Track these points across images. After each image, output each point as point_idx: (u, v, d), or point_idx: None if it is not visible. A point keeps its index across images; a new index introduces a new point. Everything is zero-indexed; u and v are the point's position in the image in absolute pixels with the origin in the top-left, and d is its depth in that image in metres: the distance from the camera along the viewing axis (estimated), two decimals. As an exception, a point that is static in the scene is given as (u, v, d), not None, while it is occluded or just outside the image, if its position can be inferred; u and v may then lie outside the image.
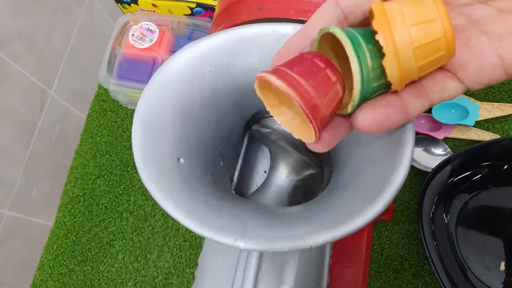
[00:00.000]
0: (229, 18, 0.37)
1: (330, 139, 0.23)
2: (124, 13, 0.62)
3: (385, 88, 0.21)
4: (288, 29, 0.33)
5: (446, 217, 0.54)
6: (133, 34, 0.58)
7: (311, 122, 0.20)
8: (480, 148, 0.52)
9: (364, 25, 0.22)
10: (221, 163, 0.38)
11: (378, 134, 0.30)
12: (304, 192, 0.42)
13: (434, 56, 0.20)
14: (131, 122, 0.66)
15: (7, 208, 0.67)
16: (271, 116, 0.40)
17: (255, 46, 0.34)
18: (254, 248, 0.27)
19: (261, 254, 0.33)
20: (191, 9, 0.57)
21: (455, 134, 0.58)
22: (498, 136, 0.58)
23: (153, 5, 0.59)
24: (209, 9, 0.56)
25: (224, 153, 0.38)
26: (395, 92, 0.22)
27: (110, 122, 0.68)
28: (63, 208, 0.66)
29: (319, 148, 0.23)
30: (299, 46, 0.23)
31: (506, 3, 0.20)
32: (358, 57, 0.19)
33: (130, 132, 0.66)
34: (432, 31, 0.19)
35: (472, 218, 0.53)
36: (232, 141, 0.40)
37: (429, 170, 0.54)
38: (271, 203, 0.41)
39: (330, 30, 0.20)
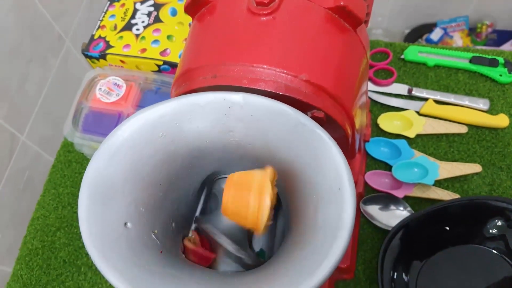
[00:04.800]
0: (186, 83, 0.38)
1: None
2: (93, 68, 0.64)
3: None
4: (238, 98, 0.34)
5: (406, 276, 0.54)
6: (100, 88, 0.59)
7: None
8: (438, 209, 0.53)
9: None
10: (173, 225, 0.38)
11: (323, 204, 0.31)
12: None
13: None
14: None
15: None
16: (226, 177, 0.40)
17: (207, 113, 0.35)
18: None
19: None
20: (158, 66, 0.59)
21: (416, 192, 0.59)
22: (457, 196, 0.59)
23: (121, 61, 0.60)
24: (175, 66, 0.58)
25: (177, 214, 0.38)
26: None
27: (74, 173, 0.68)
28: (21, 260, 0.64)
29: None
30: None
31: None
32: None
33: (94, 184, 0.65)
34: None
35: (432, 278, 0.54)
36: (187, 202, 0.41)
37: (389, 228, 0.55)
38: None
39: None
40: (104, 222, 0.31)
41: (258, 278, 0.31)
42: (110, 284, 0.59)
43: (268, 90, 0.35)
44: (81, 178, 0.66)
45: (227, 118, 0.35)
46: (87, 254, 0.62)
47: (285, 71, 0.35)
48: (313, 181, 0.32)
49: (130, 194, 0.33)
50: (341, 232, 0.28)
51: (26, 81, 0.77)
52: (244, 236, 0.40)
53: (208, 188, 0.43)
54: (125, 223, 0.32)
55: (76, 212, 0.65)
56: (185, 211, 0.40)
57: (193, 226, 0.42)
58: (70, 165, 0.68)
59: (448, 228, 0.54)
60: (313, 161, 0.32)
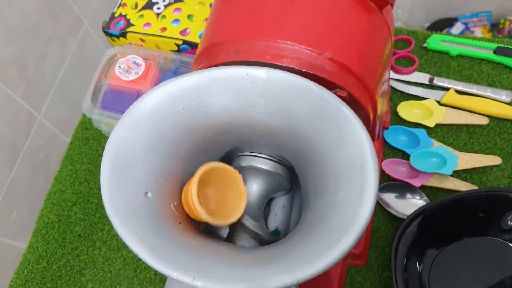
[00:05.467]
0: (208, 59, 0.38)
1: None
2: (113, 46, 0.64)
3: None
4: (261, 73, 0.34)
5: (420, 266, 0.53)
6: (119, 66, 0.59)
7: None
8: (456, 199, 0.52)
9: None
10: (191, 199, 0.38)
11: (344, 182, 0.31)
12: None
13: None
14: (113, 151, 0.67)
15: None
16: (246, 155, 0.40)
17: (229, 87, 0.34)
18: (211, 288, 0.27)
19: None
20: (178, 45, 0.59)
21: (433, 182, 0.59)
22: (475, 187, 0.59)
23: (141, 39, 0.60)
24: (195, 46, 0.58)
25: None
26: None
27: (91, 150, 0.68)
28: (37, 233, 0.65)
29: None
30: None
31: None
32: None
33: (111, 161, 0.66)
34: None
35: (446, 268, 0.53)
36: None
37: (405, 217, 0.55)
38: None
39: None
40: (125, 190, 0.31)
41: (276, 251, 0.31)
42: (123, 260, 0.60)
43: (291, 66, 0.35)
44: (98, 156, 0.67)
45: (249, 93, 0.35)
46: (102, 230, 0.63)
47: (309, 48, 0.35)
48: (335, 158, 0.31)
49: (151, 165, 0.33)
50: (363, 209, 0.28)
51: (44, 61, 0.77)
52: (260, 214, 0.40)
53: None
54: (146, 193, 0.32)
55: (92, 188, 0.65)
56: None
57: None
58: (88, 142, 0.69)
59: (464, 219, 0.54)
60: (336, 138, 0.31)
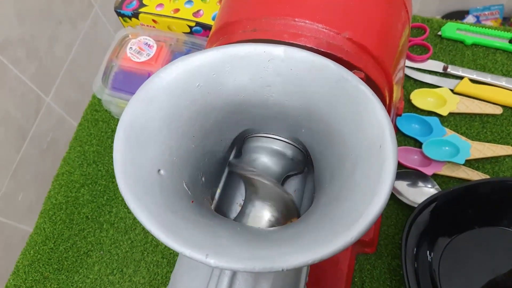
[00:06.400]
0: (224, 37, 0.38)
1: None
2: (124, 27, 0.63)
3: None
4: (279, 51, 0.33)
5: (430, 255, 0.53)
6: (131, 47, 0.58)
7: None
8: (469, 188, 0.52)
9: None
10: (203, 179, 0.37)
11: (361, 162, 0.30)
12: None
13: None
14: (122, 133, 0.66)
15: (-11, 210, 0.67)
16: (258, 136, 0.40)
17: (246, 65, 0.34)
18: (225, 266, 0.26)
19: (234, 274, 0.32)
20: (190, 27, 0.58)
21: (445, 171, 0.58)
22: (487, 177, 0.58)
23: (154, 20, 0.59)
24: (208, 28, 0.57)
25: (207, 169, 0.38)
26: None
27: (100, 132, 0.68)
28: (44, 214, 0.65)
29: None
30: None
31: None
32: None
33: (120, 144, 0.66)
34: None
35: (456, 258, 0.53)
36: (217, 158, 0.40)
37: (416, 205, 0.54)
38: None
39: None
40: (138, 166, 0.31)
41: (291, 232, 0.31)
42: (131, 242, 0.60)
43: (309, 46, 0.34)
44: (107, 137, 0.67)
45: (265, 72, 0.34)
46: (109, 212, 0.62)
47: (327, 28, 0.35)
48: (353, 139, 0.31)
49: (164, 142, 0.33)
50: (381, 189, 0.27)
51: (54, 43, 0.77)
52: None
53: (238, 147, 0.43)
54: (159, 170, 0.32)
55: (100, 170, 0.65)
56: (214, 168, 0.40)
57: (226, 171, 0.41)
58: (97, 124, 0.69)
59: (475, 209, 0.53)
60: (354, 118, 0.31)
